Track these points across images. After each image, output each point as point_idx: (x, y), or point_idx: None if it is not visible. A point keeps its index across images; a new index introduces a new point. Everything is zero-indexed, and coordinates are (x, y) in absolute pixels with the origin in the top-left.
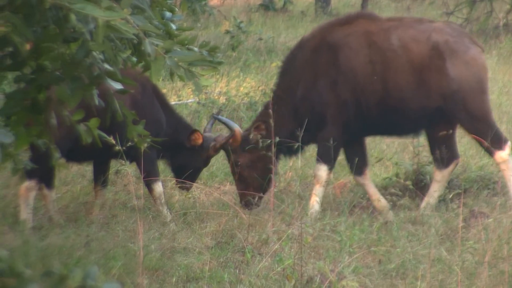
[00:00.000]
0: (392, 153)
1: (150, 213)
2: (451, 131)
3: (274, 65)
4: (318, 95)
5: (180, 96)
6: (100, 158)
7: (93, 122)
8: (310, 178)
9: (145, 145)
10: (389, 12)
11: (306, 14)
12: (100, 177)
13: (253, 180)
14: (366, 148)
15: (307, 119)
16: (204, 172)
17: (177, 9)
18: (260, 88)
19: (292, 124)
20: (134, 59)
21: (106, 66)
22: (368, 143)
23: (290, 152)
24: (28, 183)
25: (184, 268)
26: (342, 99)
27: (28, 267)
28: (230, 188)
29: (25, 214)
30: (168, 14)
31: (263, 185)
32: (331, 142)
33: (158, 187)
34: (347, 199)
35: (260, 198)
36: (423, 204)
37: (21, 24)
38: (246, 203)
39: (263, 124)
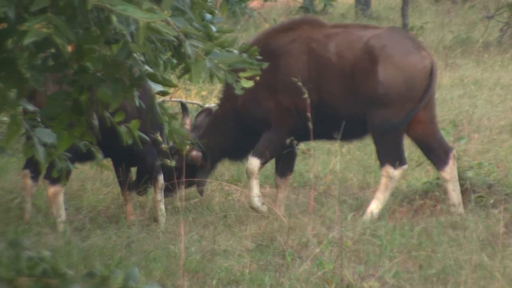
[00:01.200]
0: None
1: (191, 215)
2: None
3: None
4: (257, 104)
5: None
6: (117, 160)
7: (134, 123)
8: (350, 181)
9: (187, 147)
10: (430, 16)
11: (346, 16)
12: (125, 182)
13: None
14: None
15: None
16: (244, 175)
17: (217, 11)
18: None
19: (235, 131)
20: (174, 61)
21: (147, 67)
22: (408, 147)
23: (235, 158)
24: (53, 189)
25: (225, 271)
26: (284, 106)
27: (70, 268)
28: (270, 191)
29: (63, 216)
30: (208, 16)
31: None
32: (272, 142)
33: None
34: (387, 203)
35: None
36: (453, 209)
37: (63, 26)
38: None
39: (196, 150)
